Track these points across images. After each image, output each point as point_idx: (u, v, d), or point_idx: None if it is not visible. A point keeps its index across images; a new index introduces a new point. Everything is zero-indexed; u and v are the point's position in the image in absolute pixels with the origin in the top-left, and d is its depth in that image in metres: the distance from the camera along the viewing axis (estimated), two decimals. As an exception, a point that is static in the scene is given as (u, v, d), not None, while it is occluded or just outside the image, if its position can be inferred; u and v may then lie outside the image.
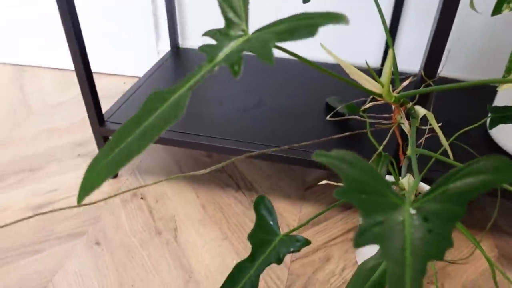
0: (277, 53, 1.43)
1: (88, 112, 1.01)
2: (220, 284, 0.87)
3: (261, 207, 0.61)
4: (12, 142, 1.29)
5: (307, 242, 0.59)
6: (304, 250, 0.96)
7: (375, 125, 1.05)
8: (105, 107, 1.44)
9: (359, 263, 0.92)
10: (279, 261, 0.58)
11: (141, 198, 1.08)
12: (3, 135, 1.32)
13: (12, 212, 1.05)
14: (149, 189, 1.10)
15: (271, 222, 0.60)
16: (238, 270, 0.58)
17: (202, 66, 0.44)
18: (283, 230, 1.00)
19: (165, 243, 0.96)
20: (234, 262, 0.92)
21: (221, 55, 0.45)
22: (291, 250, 0.58)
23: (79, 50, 0.92)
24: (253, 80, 1.28)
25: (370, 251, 0.87)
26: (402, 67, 1.41)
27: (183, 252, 0.94)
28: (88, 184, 0.38)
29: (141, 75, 1.65)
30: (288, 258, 0.94)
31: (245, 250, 0.95)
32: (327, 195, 1.10)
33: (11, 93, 1.55)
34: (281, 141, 1.00)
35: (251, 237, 0.60)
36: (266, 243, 0.59)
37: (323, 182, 0.72)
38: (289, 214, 1.04)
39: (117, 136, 0.39)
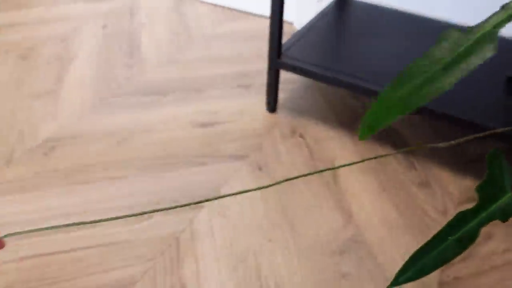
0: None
1: (270, 42, 1.03)
2: (380, 234, 0.87)
3: (495, 161, 0.59)
4: (177, 63, 1.36)
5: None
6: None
7: None
8: (258, 46, 1.46)
9: (527, 247, 0.87)
10: (505, 218, 0.56)
11: (300, 136, 1.09)
12: (169, 56, 1.39)
13: (178, 124, 1.11)
14: (308, 130, 1.11)
15: (503, 179, 0.58)
16: (459, 219, 0.56)
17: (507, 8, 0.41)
18: (446, 196, 0.97)
19: (325, 184, 0.97)
20: (393, 216, 0.91)
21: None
22: (520, 209, 0.55)
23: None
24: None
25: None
26: None
27: (343, 196, 0.94)
28: (375, 120, 0.36)
29: (295, 21, 1.64)
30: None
31: (405, 206, 0.93)
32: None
33: (173, 20, 1.62)
34: (450, 103, 0.95)
35: (480, 189, 0.57)
36: (495, 198, 0.57)
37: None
38: (449, 183, 1.00)
39: (411, 71, 0.37)
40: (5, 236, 0.36)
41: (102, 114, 1.15)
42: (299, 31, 1.20)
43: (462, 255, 0.85)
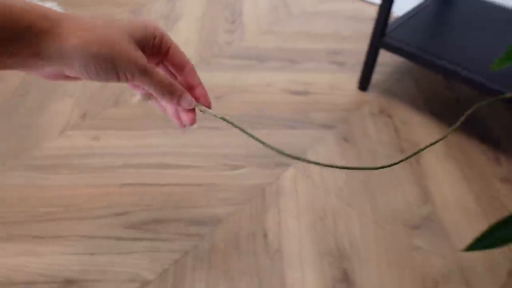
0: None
1: (376, 21, 1.05)
2: (456, 217, 0.89)
3: None
4: (275, 34, 1.42)
5: None
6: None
7: None
8: (355, 27, 1.48)
9: None
10: None
11: (388, 116, 1.12)
12: (268, 27, 1.45)
13: (273, 89, 1.18)
14: (396, 112, 1.13)
15: None
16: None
17: None
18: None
19: (408, 163, 1.00)
20: (471, 203, 0.92)
21: None
22: None
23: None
24: None
25: None
26: None
27: (423, 176, 0.97)
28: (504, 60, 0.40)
29: (395, 8, 1.64)
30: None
31: (484, 197, 0.94)
32: None
33: (274, -8, 1.68)
34: None
35: None
36: None
37: None
38: (535, 183, 0.99)
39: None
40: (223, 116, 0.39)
41: (202, 72, 1.24)
42: (401, 17, 1.22)
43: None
